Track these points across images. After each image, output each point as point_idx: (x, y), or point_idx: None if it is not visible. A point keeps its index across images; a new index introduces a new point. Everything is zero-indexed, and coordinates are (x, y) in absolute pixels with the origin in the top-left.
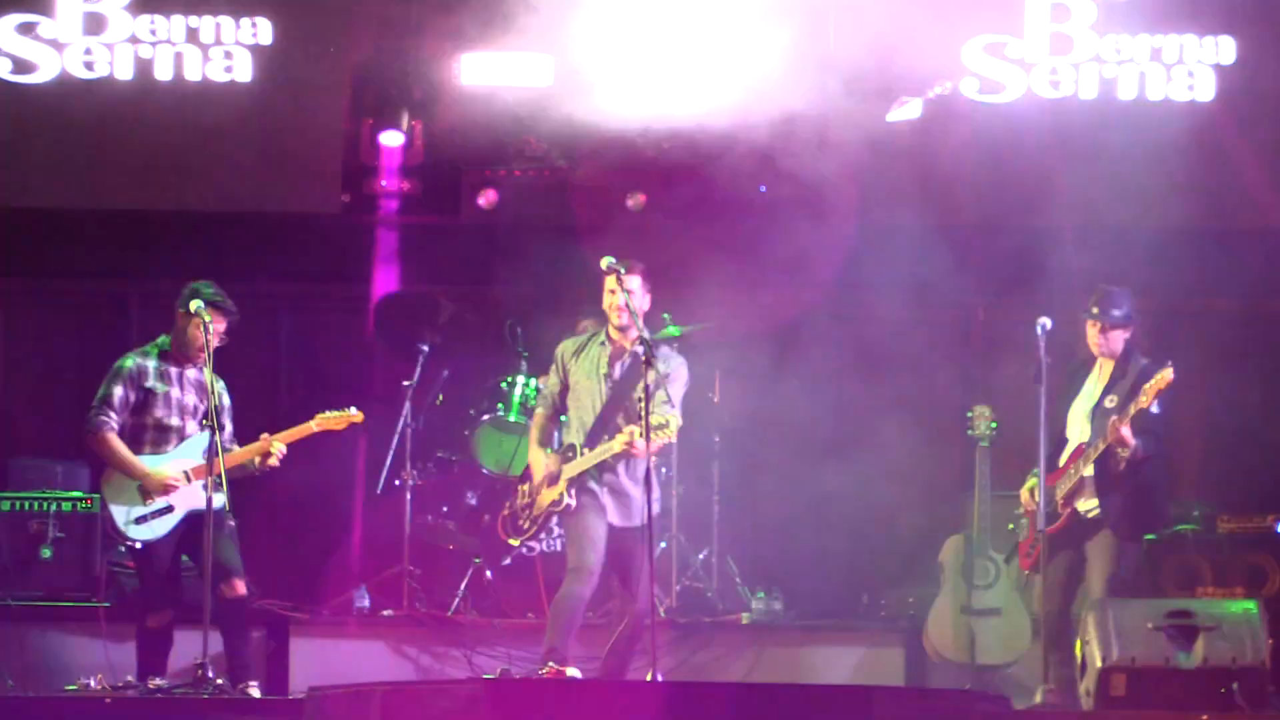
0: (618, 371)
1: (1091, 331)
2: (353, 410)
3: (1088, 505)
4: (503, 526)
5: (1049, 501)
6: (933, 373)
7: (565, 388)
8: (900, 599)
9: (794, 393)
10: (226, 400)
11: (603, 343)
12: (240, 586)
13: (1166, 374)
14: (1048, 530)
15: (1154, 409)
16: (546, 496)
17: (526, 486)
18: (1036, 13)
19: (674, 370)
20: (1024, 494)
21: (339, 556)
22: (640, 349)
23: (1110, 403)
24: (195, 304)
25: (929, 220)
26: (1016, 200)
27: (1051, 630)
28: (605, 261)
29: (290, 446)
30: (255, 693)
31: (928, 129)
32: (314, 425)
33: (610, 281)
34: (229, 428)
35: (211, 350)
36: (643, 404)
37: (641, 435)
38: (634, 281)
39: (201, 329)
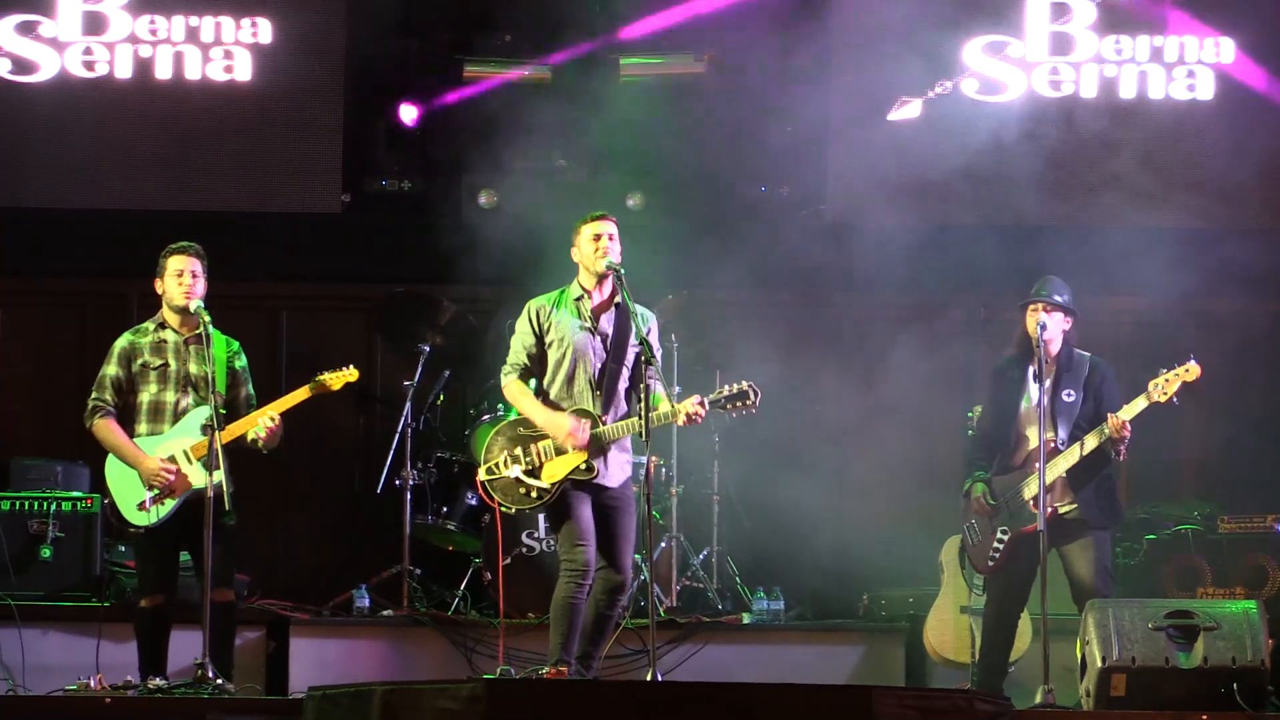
0: (605, 325)
1: (1036, 317)
2: (343, 371)
3: (1063, 504)
4: (500, 492)
5: (1017, 502)
6: (933, 372)
7: (543, 345)
8: (900, 599)
9: (794, 393)
10: (238, 363)
11: (578, 297)
12: (225, 593)
13: (1194, 369)
14: (1022, 531)
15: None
16: (571, 461)
17: (542, 446)
18: (1036, 13)
19: (652, 326)
20: (978, 497)
21: (339, 556)
22: (619, 300)
23: (1068, 397)
24: (161, 262)
25: (930, 220)
26: (1019, 200)
27: (1004, 635)
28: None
29: (290, 446)
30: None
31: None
32: (308, 390)
33: (599, 226)
34: (244, 391)
35: (190, 298)
36: (645, 360)
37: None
38: (614, 227)
39: (171, 279)
